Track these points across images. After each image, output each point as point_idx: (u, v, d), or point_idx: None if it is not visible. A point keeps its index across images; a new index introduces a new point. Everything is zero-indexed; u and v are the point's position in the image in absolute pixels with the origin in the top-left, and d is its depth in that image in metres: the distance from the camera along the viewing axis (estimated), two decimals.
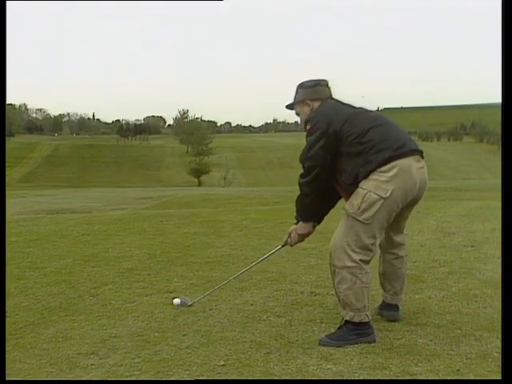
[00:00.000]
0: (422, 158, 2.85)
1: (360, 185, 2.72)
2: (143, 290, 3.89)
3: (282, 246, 3.19)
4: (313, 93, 2.99)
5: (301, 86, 3.03)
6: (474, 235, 5.76)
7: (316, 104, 2.95)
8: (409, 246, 3.21)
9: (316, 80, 3.03)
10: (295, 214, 3.02)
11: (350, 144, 2.74)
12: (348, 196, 2.81)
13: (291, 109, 3.10)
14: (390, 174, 2.67)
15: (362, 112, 2.89)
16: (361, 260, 2.73)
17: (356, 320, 2.72)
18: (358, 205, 2.70)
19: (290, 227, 3.09)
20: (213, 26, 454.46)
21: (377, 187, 2.67)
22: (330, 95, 3.01)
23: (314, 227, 3.04)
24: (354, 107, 2.95)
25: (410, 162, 2.73)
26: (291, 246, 3.15)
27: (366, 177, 2.70)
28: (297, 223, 3.04)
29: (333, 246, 2.78)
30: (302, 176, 2.87)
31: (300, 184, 2.88)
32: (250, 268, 3.53)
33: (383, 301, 3.12)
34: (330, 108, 2.90)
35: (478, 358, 2.49)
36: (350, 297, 2.72)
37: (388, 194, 2.66)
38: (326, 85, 3.04)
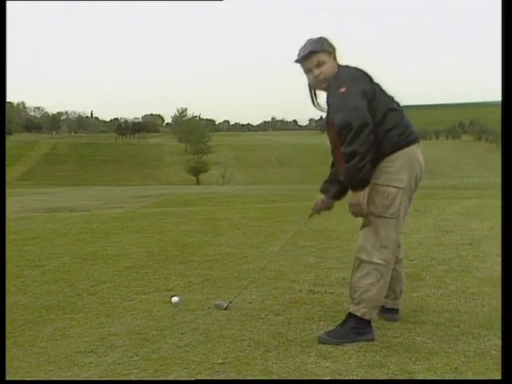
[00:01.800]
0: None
1: (373, 181, 2.66)
2: (141, 288, 3.89)
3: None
4: (336, 51, 2.82)
5: (325, 39, 2.77)
6: (473, 233, 5.77)
7: (336, 64, 2.78)
8: (406, 245, 3.21)
9: None
10: (349, 191, 2.73)
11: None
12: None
13: (300, 61, 2.78)
14: (398, 162, 2.67)
15: (382, 89, 2.78)
16: (392, 258, 2.73)
17: (367, 317, 2.72)
18: (381, 203, 2.68)
19: (287, 226, 3.06)
20: (213, 25, 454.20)
21: (391, 180, 2.67)
22: None
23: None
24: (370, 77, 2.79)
25: (414, 149, 2.74)
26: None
27: (374, 163, 2.63)
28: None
29: (363, 241, 2.74)
30: (350, 143, 2.54)
31: (351, 152, 2.54)
32: None
33: (382, 306, 3.03)
34: (358, 72, 2.75)
35: (476, 356, 2.49)
36: (371, 293, 2.70)
37: (404, 184, 2.68)
38: None
